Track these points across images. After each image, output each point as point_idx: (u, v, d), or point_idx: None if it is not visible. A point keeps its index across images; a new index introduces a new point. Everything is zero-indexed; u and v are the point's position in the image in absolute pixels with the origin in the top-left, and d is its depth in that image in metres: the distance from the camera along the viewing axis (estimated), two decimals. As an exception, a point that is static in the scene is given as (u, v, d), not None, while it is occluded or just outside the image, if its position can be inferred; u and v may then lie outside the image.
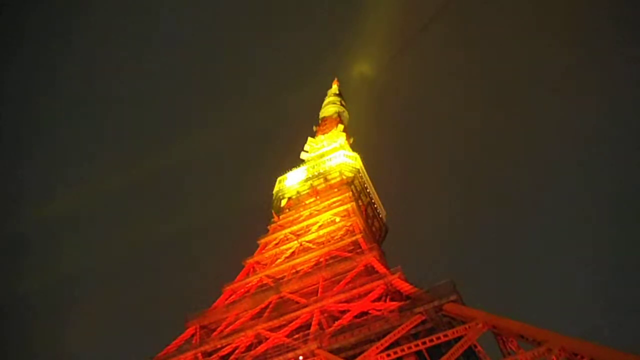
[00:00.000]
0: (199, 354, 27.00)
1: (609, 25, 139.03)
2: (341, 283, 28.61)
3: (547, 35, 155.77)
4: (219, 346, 27.10)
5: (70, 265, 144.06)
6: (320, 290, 29.14)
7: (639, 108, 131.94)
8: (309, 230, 43.44)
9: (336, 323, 23.92)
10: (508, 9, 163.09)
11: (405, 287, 24.32)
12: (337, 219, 42.59)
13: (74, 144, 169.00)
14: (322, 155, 67.01)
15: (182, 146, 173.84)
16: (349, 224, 40.28)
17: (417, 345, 18.68)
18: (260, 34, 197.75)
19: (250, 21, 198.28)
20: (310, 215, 47.51)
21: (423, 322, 21.00)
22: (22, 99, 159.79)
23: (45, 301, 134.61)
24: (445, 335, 18.60)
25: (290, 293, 31.27)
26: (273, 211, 56.46)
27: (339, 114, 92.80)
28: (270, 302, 31.09)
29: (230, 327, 29.51)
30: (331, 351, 21.33)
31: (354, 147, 71.32)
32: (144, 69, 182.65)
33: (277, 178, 64.74)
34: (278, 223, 48.57)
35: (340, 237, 38.45)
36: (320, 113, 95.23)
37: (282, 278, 35.45)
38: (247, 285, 36.07)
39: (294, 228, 45.31)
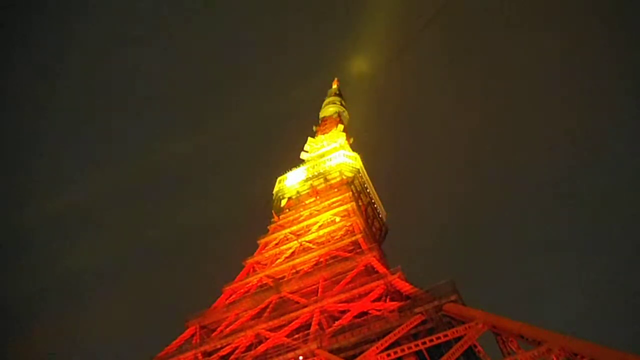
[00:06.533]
0: (199, 354, 26.99)
1: (607, 28, 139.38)
2: (341, 283, 28.59)
3: (546, 35, 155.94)
4: (219, 346, 27.09)
5: (72, 265, 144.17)
6: (320, 290, 29.13)
7: (634, 104, 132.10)
8: (309, 230, 43.41)
9: (336, 323, 23.90)
10: (507, 9, 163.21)
11: (405, 287, 24.31)
12: (337, 219, 42.56)
13: (78, 143, 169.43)
14: (322, 155, 67.00)
15: (183, 148, 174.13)
16: (349, 224, 40.25)
17: (417, 345, 18.66)
18: (261, 34, 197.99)
19: (251, 22, 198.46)
20: (310, 215, 47.47)
21: (423, 322, 20.96)
22: (26, 95, 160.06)
23: (46, 300, 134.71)
24: (445, 335, 18.58)
25: (290, 293, 31.26)
26: (273, 211, 56.39)
27: (339, 114, 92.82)
28: (270, 302, 31.07)
29: (230, 327, 29.50)
30: (331, 351, 21.32)
31: (354, 147, 71.32)
32: (145, 68, 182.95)
33: (277, 178, 64.76)
34: (278, 223, 48.53)
35: (340, 237, 38.41)
36: (320, 113, 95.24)
37: (282, 278, 35.43)
38: (247, 285, 36.06)
39: (294, 228, 45.28)
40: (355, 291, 26.72)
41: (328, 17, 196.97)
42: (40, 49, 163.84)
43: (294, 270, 36.34)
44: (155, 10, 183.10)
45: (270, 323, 26.92)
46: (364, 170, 61.93)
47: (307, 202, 54.56)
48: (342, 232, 39.86)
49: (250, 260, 40.97)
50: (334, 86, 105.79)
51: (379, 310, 23.62)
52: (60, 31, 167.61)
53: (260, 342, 25.87)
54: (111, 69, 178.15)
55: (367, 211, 57.52)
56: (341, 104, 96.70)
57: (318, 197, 53.69)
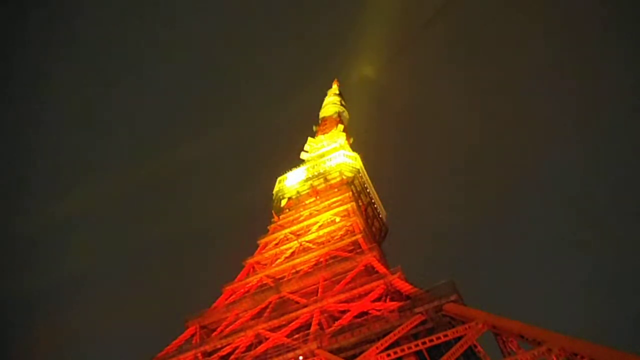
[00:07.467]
0: (199, 354, 26.98)
1: (603, 24, 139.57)
2: (341, 283, 28.59)
3: (545, 34, 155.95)
4: (219, 346, 27.08)
5: (72, 266, 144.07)
6: (320, 290, 29.12)
7: (633, 104, 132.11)
8: (309, 230, 43.41)
9: (336, 323, 23.89)
10: (506, 9, 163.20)
11: (405, 287, 24.31)
12: (337, 219, 42.56)
13: (78, 146, 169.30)
14: (322, 155, 67.01)
15: (182, 147, 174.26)
16: (349, 224, 40.25)
17: (417, 345, 18.65)
18: (261, 36, 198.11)
19: (252, 24, 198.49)
20: (310, 215, 47.47)
21: (423, 322, 20.96)
22: (25, 99, 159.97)
23: (46, 301, 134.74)
24: (445, 335, 18.57)
25: (290, 293, 31.26)
26: (273, 211, 56.43)
27: (339, 114, 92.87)
28: (270, 302, 31.08)
29: (230, 327, 29.49)
30: (331, 351, 21.31)
31: (354, 147, 71.35)
32: (145, 71, 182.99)
33: (277, 178, 64.74)
34: (278, 223, 48.53)
35: (340, 237, 38.41)
36: (321, 113, 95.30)
37: (282, 278, 35.43)
38: (247, 285, 36.05)
39: (294, 228, 45.27)
40: (355, 291, 26.71)
41: (328, 17, 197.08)
42: (41, 48, 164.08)
43: (294, 270, 36.34)
44: (155, 10, 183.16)
45: (270, 323, 26.91)
46: (364, 170, 61.93)
47: (307, 202, 54.56)
48: (342, 232, 39.85)
49: (250, 260, 40.96)
50: (334, 86, 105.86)
51: (379, 310, 23.62)
52: (61, 29, 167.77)
53: (260, 342, 25.86)
54: (111, 69, 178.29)
55: (367, 211, 57.52)
56: (341, 104, 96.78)
57: (318, 197, 53.69)
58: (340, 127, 79.56)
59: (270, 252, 41.45)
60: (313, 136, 79.72)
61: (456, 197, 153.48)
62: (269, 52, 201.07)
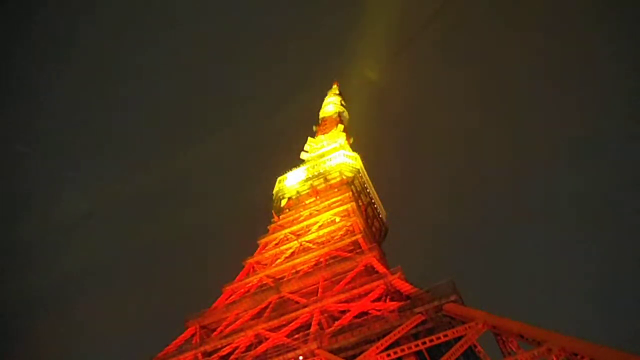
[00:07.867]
0: (199, 354, 27.01)
1: (597, 21, 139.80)
2: (341, 283, 28.61)
3: (545, 35, 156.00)
4: (219, 346, 27.10)
5: (73, 266, 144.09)
6: (320, 290, 29.13)
7: (631, 104, 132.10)
8: (309, 230, 43.42)
9: (336, 323, 23.91)
10: (506, 9, 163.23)
11: (405, 287, 24.32)
12: (337, 219, 42.57)
13: (78, 147, 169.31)
14: (322, 155, 66.98)
15: (182, 148, 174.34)
16: (349, 224, 40.25)
17: (417, 345, 18.67)
18: (262, 36, 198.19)
19: (253, 24, 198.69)
20: (310, 215, 47.48)
21: (423, 322, 20.99)
22: (25, 100, 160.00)
23: (47, 302, 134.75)
24: (445, 335, 18.59)
25: (290, 293, 31.28)
26: (273, 211, 56.44)
27: (339, 114, 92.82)
28: (270, 302, 31.10)
29: (230, 327, 29.51)
30: (331, 351, 21.33)
31: (354, 147, 71.33)
32: (149, 72, 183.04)
33: (277, 178, 64.75)
34: (278, 223, 48.53)
35: (340, 237, 38.41)
36: (321, 113, 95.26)
37: (282, 278, 35.45)
38: (247, 285, 36.07)
39: (294, 228, 45.29)
40: (355, 291, 26.73)
41: (329, 18, 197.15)
42: (41, 49, 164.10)
43: (294, 270, 36.36)
44: (155, 11, 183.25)
45: (270, 323, 26.93)
46: (364, 170, 61.90)
47: (307, 202, 54.57)
48: (342, 232, 39.85)
49: (250, 260, 40.97)
50: (334, 86, 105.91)
51: (379, 310, 23.63)
52: (61, 30, 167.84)
53: (260, 342, 25.89)
54: (112, 69, 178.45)
55: (367, 211, 57.51)
56: (341, 104, 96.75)
57: (318, 197, 53.70)
58: (340, 127, 79.52)
59: (270, 252, 41.46)
60: (313, 136, 79.68)
61: (456, 197, 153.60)
62: (270, 53, 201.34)
